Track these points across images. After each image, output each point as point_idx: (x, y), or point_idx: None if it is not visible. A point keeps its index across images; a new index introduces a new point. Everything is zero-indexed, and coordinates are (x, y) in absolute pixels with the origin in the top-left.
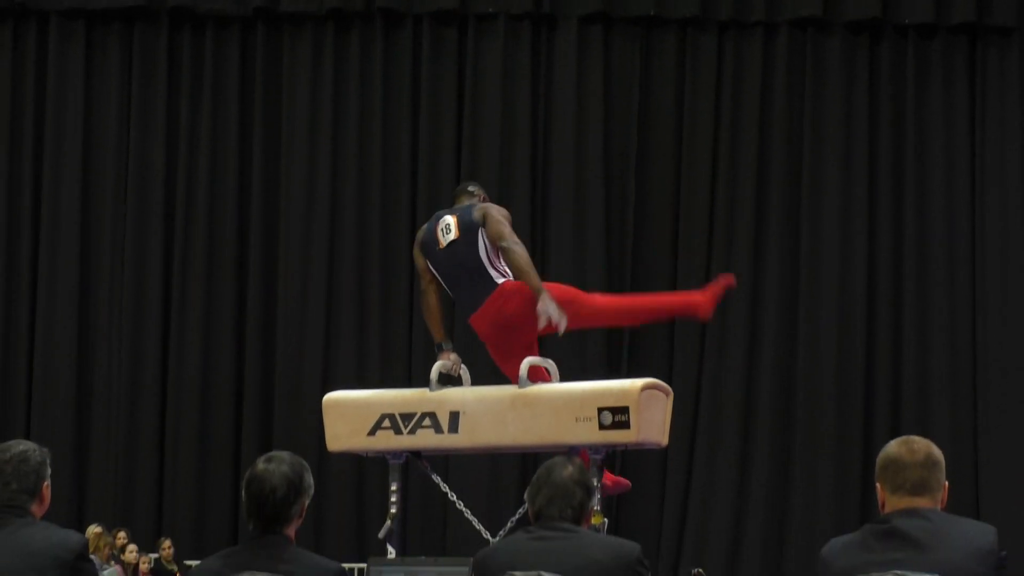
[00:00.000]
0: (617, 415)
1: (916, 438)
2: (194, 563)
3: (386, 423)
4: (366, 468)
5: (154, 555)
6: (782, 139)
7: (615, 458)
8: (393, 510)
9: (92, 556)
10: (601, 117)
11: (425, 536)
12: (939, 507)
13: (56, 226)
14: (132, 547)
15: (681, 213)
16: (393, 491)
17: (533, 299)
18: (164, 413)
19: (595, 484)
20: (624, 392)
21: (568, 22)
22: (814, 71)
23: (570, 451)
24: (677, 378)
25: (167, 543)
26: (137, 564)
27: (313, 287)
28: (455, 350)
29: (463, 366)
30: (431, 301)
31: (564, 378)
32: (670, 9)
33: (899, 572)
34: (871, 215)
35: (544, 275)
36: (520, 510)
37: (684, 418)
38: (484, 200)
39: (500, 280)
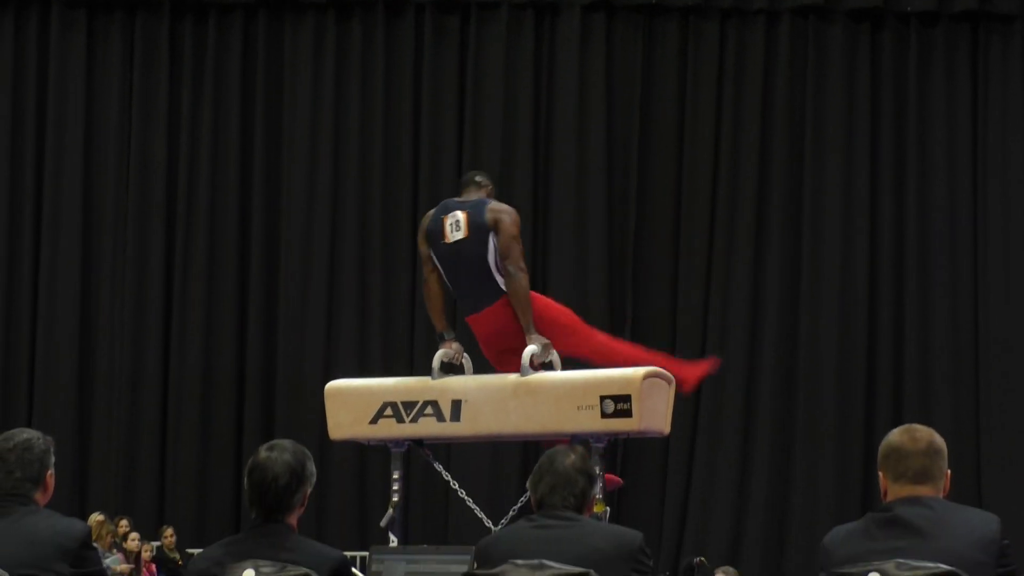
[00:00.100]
0: (619, 403)
1: (918, 426)
2: (196, 551)
3: (388, 411)
4: (368, 456)
5: (156, 543)
6: (784, 127)
7: (616, 448)
8: (395, 498)
9: (94, 544)
10: (603, 105)
11: (427, 524)
12: (941, 495)
13: (58, 216)
14: (134, 535)
15: (683, 202)
16: (395, 479)
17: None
18: (166, 401)
19: (597, 472)
20: (626, 380)
21: (570, 10)
22: (816, 59)
23: (572, 439)
24: None
25: (169, 531)
26: (139, 552)
27: (315, 275)
28: (457, 339)
29: (465, 354)
30: (433, 290)
31: (566, 366)
32: None
33: (901, 560)
34: (873, 204)
35: (545, 263)
36: (522, 498)
37: (685, 413)
38: (491, 193)
39: (504, 288)
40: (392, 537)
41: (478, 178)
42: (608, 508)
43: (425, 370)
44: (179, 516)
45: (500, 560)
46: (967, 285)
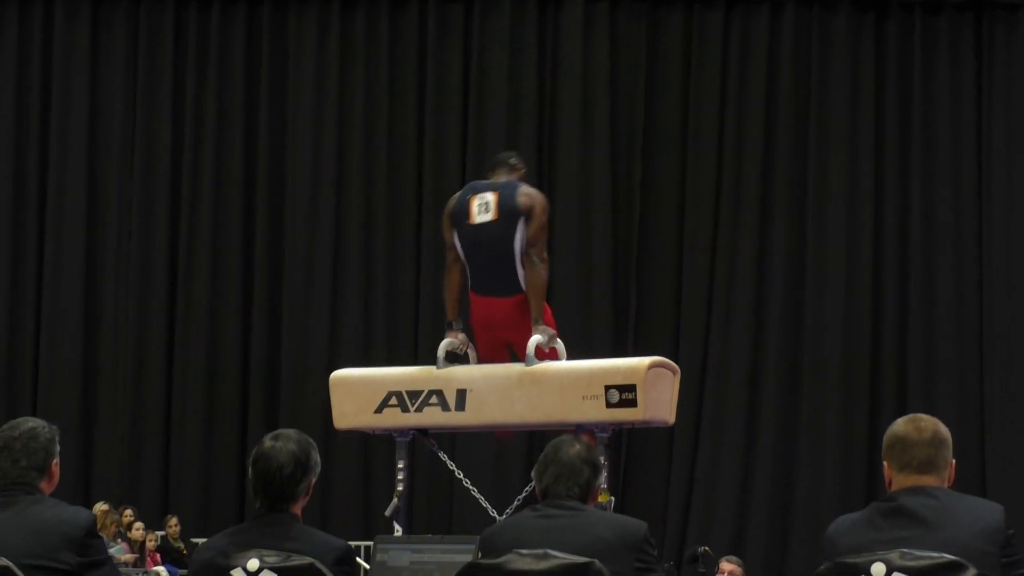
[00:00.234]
0: (624, 393)
1: (923, 416)
2: (200, 541)
3: (393, 401)
4: (373, 446)
5: (160, 533)
6: (788, 116)
7: (621, 436)
8: (400, 488)
9: (100, 533)
10: (607, 96)
11: (432, 514)
12: (946, 485)
13: (62, 204)
14: (139, 525)
15: (687, 193)
16: (400, 469)
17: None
18: (170, 391)
19: (602, 462)
20: (631, 370)
21: (574, 0)
22: (820, 49)
23: (577, 429)
24: (683, 356)
25: (173, 521)
26: (143, 542)
27: (319, 264)
28: (464, 330)
29: (470, 344)
30: (454, 279)
31: (571, 356)
32: None
33: (906, 550)
34: (877, 194)
35: (549, 254)
36: (527, 488)
37: (690, 397)
38: (523, 176)
39: (523, 284)
40: (397, 526)
41: (512, 160)
42: (612, 498)
43: (430, 359)
44: (183, 506)
45: (505, 549)
46: (971, 274)
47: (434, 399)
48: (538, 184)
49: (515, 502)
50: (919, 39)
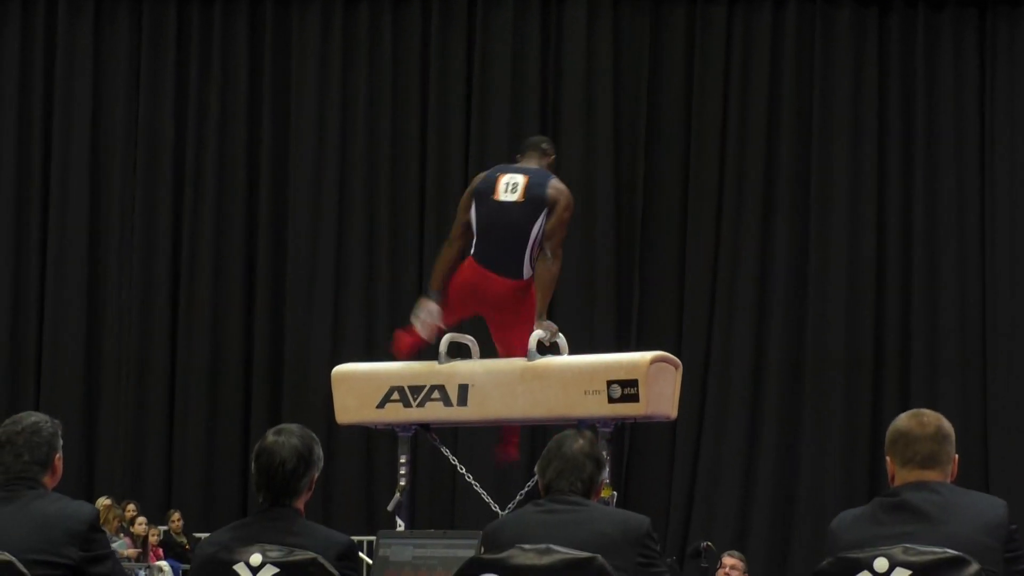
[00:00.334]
0: (626, 388)
1: (926, 411)
2: (203, 535)
3: (395, 396)
4: (375, 441)
5: (163, 527)
6: (791, 112)
7: (624, 431)
8: (402, 483)
9: (103, 528)
10: (610, 91)
11: (434, 509)
12: (949, 480)
13: (65, 200)
14: (141, 519)
15: (690, 187)
16: (402, 464)
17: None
18: (173, 385)
19: (605, 457)
20: (633, 365)
21: None
22: (823, 44)
23: (579, 424)
24: (686, 352)
25: (176, 515)
26: (146, 536)
27: (322, 259)
28: (439, 303)
29: (471, 339)
30: (451, 254)
31: (573, 351)
32: None
33: (909, 545)
34: (880, 189)
35: None
36: (529, 483)
37: (693, 392)
38: (552, 164)
39: (528, 273)
40: (399, 521)
41: (544, 144)
42: (615, 493)
43: (432, 354)
44: (186, 500)
45: (507, 544)
46: (974, 269)
47: (436, 394)
48: None
49: (518, 497)
50: (922, 34)
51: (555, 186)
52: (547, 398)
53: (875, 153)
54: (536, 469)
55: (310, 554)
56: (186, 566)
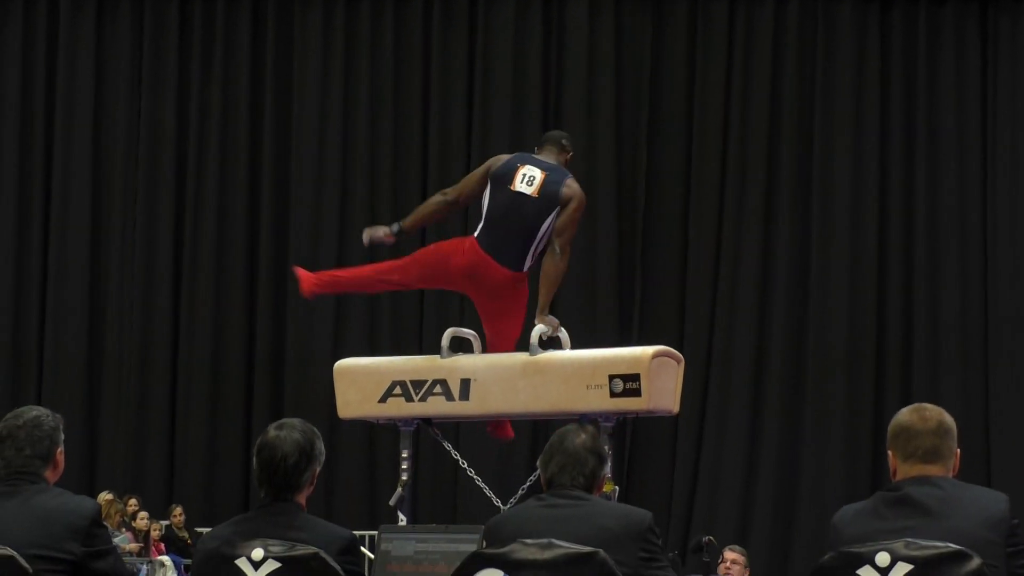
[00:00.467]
0: (628, 382)
1: (928, 406)
2: (205, 530)
3: (397, 390)
4: (377, 435)
5: (165, 522)
6: (793, 107)
7: (626, 426)
8: (404, 477)
9: (104, 523)
10: (612, 87)
11: (436, 503)
12: (951, 475)
13: (67, 198)
14: (143, 514)
15: (692, 183)
16: (404, 458)
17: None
18: (175, 380)
19: (607, 452)
20: (635, 359)
21: None
22: (825, 39)
23: (581, 418)
24: (688, 347)
25: (178, 510)
26: (148, 531)
27: (324, 255)
28: (396, 236)
29: (474, 333)
30: (437, 207)
31: (575, 346)
32: None
33: (910, 539)
34: (882, 185)
35: None
36: (531, 478)
37: (694, 386)
38: (569, 160)
39: (527, 265)
40: (401, 516)
41: (564, 140)
42: (617, 487)
43: (434, 349)
44: (188, 495)
45: (509, 539)
46: (976, 265)
47: (438, 388)
48: None
49: (519, 491)
50: (924, 29)
51: (570, 185)
52: (549, 392)
53: (877, 147)
54: (538, 464)
55: (312, 549)
56: (188, 561)
